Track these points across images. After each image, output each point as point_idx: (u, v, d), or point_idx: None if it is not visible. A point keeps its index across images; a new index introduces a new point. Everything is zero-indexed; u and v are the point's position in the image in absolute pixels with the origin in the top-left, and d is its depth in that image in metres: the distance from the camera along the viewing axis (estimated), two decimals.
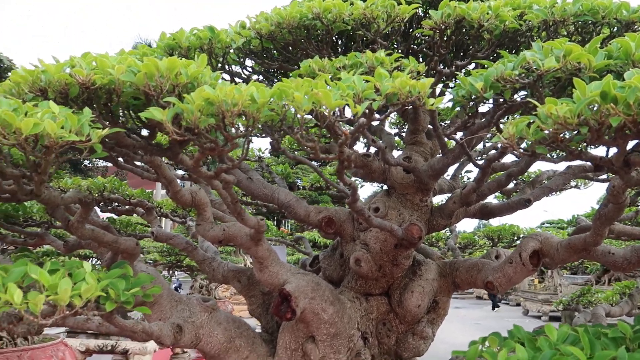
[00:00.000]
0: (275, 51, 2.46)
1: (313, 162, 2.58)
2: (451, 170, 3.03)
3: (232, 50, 2.26)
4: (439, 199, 3.59)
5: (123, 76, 1.39)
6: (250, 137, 1.49)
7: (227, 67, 2.43)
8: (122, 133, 1.66)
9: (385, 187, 2.77)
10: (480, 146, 3.21)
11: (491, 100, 1.92)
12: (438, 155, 2.49)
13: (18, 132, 1.16)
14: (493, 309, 18.31)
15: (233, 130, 1.36)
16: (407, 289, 2.62)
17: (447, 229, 3.78)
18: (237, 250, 11.79)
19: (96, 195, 3.14)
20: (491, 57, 2.21)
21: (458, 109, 2.41)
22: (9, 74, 4.42)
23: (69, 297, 1.12)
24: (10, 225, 2.53)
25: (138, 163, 2.38)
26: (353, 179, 3.43)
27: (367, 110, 1.43)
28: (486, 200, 2.64)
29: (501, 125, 1.88)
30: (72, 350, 4.91)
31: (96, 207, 3.15)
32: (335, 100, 1.27)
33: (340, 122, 1.48)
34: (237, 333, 2.48)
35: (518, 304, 19.96)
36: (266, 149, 3.51)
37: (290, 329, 2.53)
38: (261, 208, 4.04)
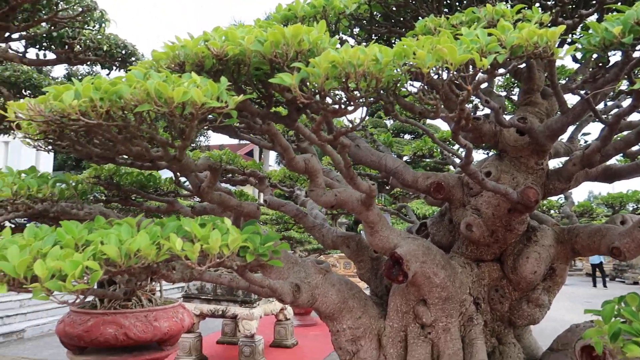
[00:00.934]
0: (380, 16, 2.46)
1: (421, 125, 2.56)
2: (566, 133, 2.86)
3: (344, 17, 2.30)
4: (553, 164, 3.39)
5: (252, 46, 1.49)
6: (369, 100, 1.53)
7: (338, 35, 2.48)
8: (248, 101, 1.78)
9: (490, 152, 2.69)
10: (600, 106, 2.99)
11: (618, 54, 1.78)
12: (556, 115, 2.37)
13: (169, 100, 1.30)
14: (595, 285, 17.25)
15: (356, 93, 1.41)
16: (521, 255, 2.55)
17: (562, 195, 3.59)
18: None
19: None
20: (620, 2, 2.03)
21: (576, 65, 2.26)
22: (133, 58, 4.83)
23: (218, 247, 1.25)
24: (145, 193, 2.82)
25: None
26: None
27: (489, 66, 1.40)
28: (609, 162, 2.46)
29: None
30: (189, 312, 5.38)
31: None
32: (460, 55, 1.26)
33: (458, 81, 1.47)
34: (350, 294, 2.58)
35: (635, 282, 18.47)
36: (366, 116, 3.52)
37: (401, 292, 2.58)
38: (364, 178, 4.10)
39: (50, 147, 2.41)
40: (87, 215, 2.05)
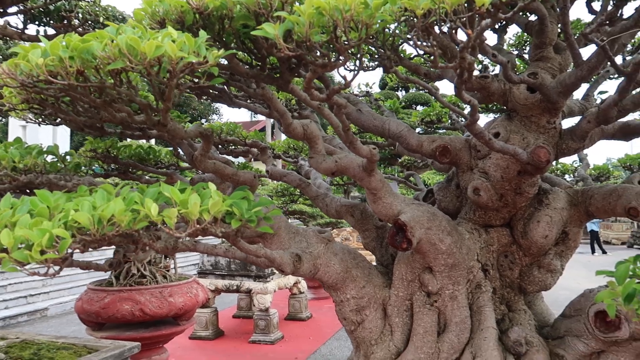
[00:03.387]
0: None
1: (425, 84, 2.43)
2: (580, 91, 2.71)
3: None
4: (568, 124, 3.25)
5: None
6: (362, 52, 1.42)
7: None
8: (237, 61, 1.68)
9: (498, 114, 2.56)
10: (619, 60, 2.81)
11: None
12: (570, 70, 2.22)
13: (142, 55, 1.21)
14: (593, 252, 17.09)
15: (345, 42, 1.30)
16: (532, 219, 2.44)
17: (577, 159, 3.44)
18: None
19: (215, 137, 3.29)
20: None
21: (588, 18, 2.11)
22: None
23: (198, 212, 1.17)
24: (144, 167, 2.75)
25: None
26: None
27: (491, 8, 1.28)
28: (627, 118, 2.32)
29: None
30: (203, 288, 5.41)
31: (215, 149, 3.32)
32: None
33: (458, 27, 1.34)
34: (353, 264, 2.51)
35: None
36: (374, 83, 3.41)
37: (406, 260, 2.50)
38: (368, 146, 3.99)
39: (41, 120, 2.34)
40: (76, 187, 1.99)
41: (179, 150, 2.42)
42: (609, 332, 2.21)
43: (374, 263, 2.86)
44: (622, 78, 1.95)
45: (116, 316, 4.44)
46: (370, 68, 3.03)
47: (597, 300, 1.13)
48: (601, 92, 3.04)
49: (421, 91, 27.67)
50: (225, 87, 2.33)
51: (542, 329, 2.61)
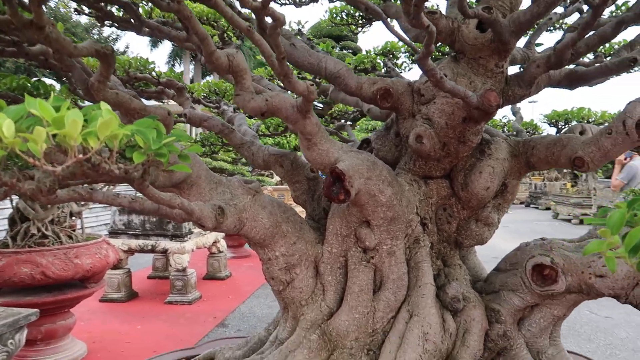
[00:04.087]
0: None
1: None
2: (520, 42, 2.57)
3: None
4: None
5: None
6: None
7: None
8: None
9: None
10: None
11: None
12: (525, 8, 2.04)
13: None
14: None
15: None
16: (474, 170, 2.30)
17: (507, 115, 3.37)
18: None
19: (122, 74, 2.82)
20: None
21: None
22: None
23: (79, 134, 0.83)
24: None
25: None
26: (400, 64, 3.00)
27: None
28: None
29: None
30: (114, 248, 4.95)
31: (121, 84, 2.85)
32: None
33: None
34: (284, 218, 2.25)
35: (548, 208, 19.79)
36: (306, 22, 3.08)
37: (342, 213, 2.28)
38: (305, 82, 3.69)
39: None
40: None
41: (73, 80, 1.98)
42: (545, 286, 2.15)
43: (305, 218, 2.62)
44: (562, 33, 1.81)
45: (13, 280, 3.95)
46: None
47: (587, 252, 0.94)
48: (539, 45, 2.93)
49: (350, 41, 27.50)
50: (133, 4, 1.91)
51: (476, 283, 2.53)
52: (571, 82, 2.21)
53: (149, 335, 5.11)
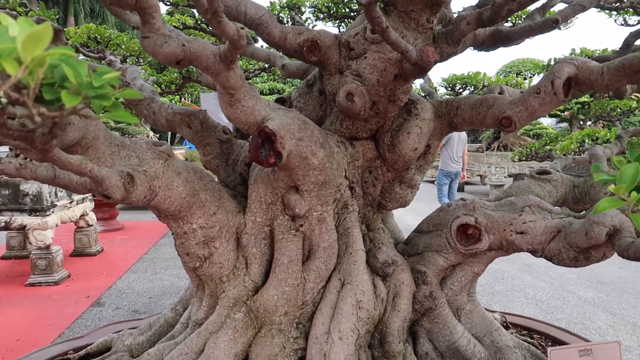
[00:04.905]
0: None
1: None
2: None
3: None
4: None
5: None
6: None
7: None
8: None
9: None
10: None
11: None
12: None
13: None
14: None
15: None
16: (401, 130, 2.22)
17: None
18: (140, 120, 10.61)
19: None
20: None
21: None
22: None
23: None
24: None
25: None
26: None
27: None
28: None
29: None
30: None
31: None
32: None
33: None
34: (201, 185, 1.96)
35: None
36: None
37: (266, 179, 2.06)
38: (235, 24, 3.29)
39: None
40: None
41: None
42: (469, 245, 2.18)
43: None
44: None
45: None
46: None
47: (598, 210, 0.88)
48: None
49: None
50: None
51: (396, 246, 2.51)
52: (495, 41, 2.21)
53: (11, 323, 4.42)
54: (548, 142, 3.41)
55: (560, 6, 2.53)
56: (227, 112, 1.86)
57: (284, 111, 1.91)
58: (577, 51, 3.23)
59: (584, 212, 2.13)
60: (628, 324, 4.59)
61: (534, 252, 2.16)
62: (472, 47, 2.25)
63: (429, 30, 2.11)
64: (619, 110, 3.10)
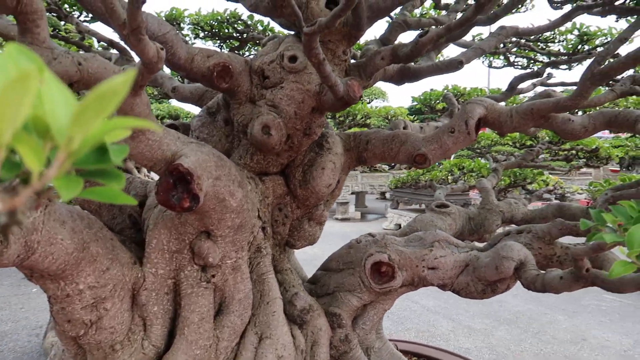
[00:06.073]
0: None
1: None
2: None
3: None
4: None
5: None
6: None
7: None
8: None
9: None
10: None
11: None
12: None
13: None
14: None
15: None
16: (315, 166, 2.09)
17: None
18: None
19: None
20: None
21: None
22: None
23: None
24: None
25: None
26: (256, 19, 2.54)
27: None
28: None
29: None
30: None
31: None
32: None
33: None
34: (91, 235, 1.58)
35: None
36: None
37: (170, 223, 1.75)
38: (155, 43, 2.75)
39: None
40: None
41: None
42: (383, 283, 2.13)
43: None
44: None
45: None
46: None
47: (612, 276, 0.86)
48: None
49: None
50: None
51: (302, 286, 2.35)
52: (402, 77, 2.23)
53: None
54: (424, 171, 3.63)
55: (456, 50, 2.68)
56: (130, 147, 1.53)
57: (196, 145, 1.65)
58: (450, 87, 3.50)
59: (485, 244, 2.24)
60: (465, 327, 5.04)
61: (443, 287, 2.19)
62: (383, 80, 2.24)
63: (344, 62, 2.04)
64: (484, 142, 3.44)
